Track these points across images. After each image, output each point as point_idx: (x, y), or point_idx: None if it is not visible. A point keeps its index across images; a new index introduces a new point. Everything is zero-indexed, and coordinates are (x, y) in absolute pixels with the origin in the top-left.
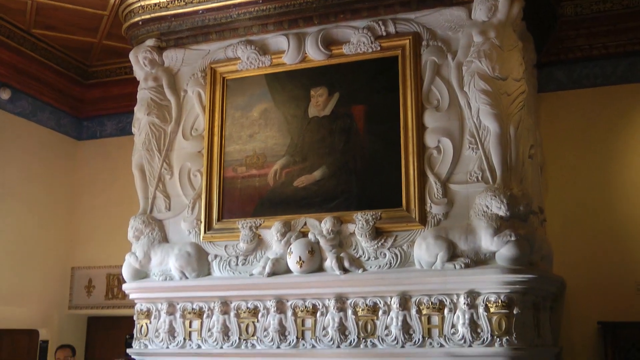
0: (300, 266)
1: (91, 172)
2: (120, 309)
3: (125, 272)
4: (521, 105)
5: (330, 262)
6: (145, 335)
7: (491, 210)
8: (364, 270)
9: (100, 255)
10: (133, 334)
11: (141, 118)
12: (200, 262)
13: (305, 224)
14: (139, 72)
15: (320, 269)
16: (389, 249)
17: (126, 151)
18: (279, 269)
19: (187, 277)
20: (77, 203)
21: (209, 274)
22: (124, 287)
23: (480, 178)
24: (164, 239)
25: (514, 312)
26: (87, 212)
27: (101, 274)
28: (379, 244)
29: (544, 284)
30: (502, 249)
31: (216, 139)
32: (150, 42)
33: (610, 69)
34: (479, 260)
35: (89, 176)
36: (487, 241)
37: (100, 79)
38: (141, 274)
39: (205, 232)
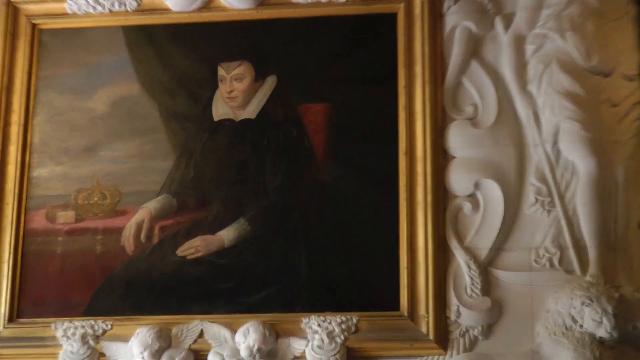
0: None
1: None
2: None
3: None
4: (636, 128)
5: None
6: None
7: (581, 327)
8: None
9: None
10: None
11: None
12: None
13: (202, 333)
14: None
15: None
16: None
17: None
18: None
19: None
20: None
21: None
22: None
23: (557, 262)
24: None
25: None
26: None
27: None
28: None
29: None
30: None
31: (13, 149)
32: None
33: None
34: None
35: None
36: None
37: None
38: None
39: None
